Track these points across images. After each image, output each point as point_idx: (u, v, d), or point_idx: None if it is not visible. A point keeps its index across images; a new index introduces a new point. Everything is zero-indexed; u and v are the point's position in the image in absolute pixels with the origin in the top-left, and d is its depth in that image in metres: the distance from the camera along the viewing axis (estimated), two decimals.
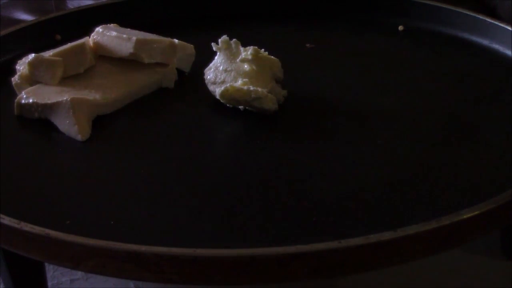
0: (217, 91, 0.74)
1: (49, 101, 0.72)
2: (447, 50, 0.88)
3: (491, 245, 0.74)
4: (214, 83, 0.76)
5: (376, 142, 0.70)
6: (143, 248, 0.54)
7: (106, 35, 0.80)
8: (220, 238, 0.58)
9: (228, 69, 0.76)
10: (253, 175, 0.66)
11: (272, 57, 0.77)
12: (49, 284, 0.70)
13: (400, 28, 0.92)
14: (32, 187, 0.65)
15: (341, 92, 0.79)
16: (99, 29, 0.82)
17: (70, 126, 0.71)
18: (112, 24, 0.83)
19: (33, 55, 0.76)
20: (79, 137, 0.70)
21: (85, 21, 0.88)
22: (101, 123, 0.73)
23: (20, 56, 0.80)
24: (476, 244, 0.74)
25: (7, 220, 0.57)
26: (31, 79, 0.76)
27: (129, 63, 0.79)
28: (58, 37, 0.89)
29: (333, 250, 0.54)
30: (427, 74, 0.83)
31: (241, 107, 0.74)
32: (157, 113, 0.76)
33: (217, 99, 0.74)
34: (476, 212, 0.57)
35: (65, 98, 0.71)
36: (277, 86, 0.76)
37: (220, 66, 0.76)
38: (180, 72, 0.82)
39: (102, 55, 0.80)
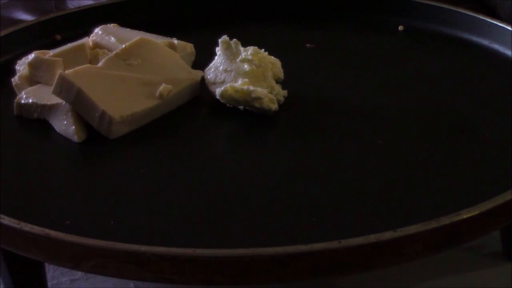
0: (217, 91, 0.74)
1: (48, 102, 0.72)
2: (447, 50, 0.88)
3: (491, 245, 0.74)
4: (214, 83, 0.76)
5: (376, 142, 0.70)
6: (143, 248, 0.54)
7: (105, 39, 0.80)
8: (220, 238, 0.58)
9: (228, 69, 0.76)
10: (253, 175, 0.66)
11: (272, 57, 0.77)
12: (49, 284, 0.70)
13: (400, 28, 0.92)
14: (32, 187, 0.65)
15: (341, 92, 0.79)
16: (98, 30, 0.82)
17: (68, 127, 0.71)
18: (112, 24, 0.83)
19: (33, 55, 0.76)
20: (75, 138, 0.70)
21: (85, 21, 0.89)
22: None
23: (20, 56, 0.80)
24: (476, 244, 0.74)
25: (7, 220, 0.57)
26: (31, 80, 0.76)
27: None
28: (58, 37, 0.89)
29: (333, 250, 0.54)
30: (427, 74, 0.83)
31: (241, 107, 0.74)
32: None
33: (217, 99, 0.74)
34: (476, 212, 0.57)
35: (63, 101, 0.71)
36: (277, 86, 0.76)
37: (220, 66, 0.76)
38: None
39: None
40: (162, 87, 0.74)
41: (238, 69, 0.75)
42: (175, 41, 0.81)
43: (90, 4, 0.96)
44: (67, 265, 0.57)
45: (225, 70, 0.76)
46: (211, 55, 0.78)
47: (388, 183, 0.64)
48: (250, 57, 0.75)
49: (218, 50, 0.77)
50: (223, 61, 0.76)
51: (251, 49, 0.75)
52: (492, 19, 0.89)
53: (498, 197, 0.59)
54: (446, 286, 0.71)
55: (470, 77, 0.82)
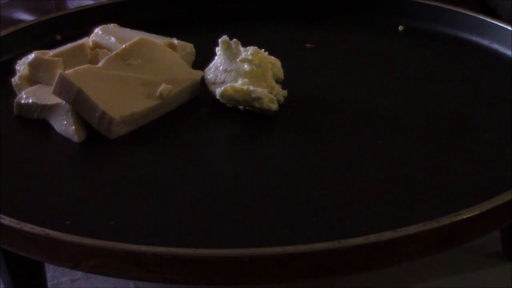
0: (217, 91, 0.74)
1: (48, 102, 0.72)
2: (447, 50, 0.88)
3: (491, 245, 0.74)
4: (214, 83, 0.76)
5: (376, 142, 0.70)
6: (143, 248, 0.54)
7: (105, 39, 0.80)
8: (220, 238, 0.58)
9: (228, 69, 0.76)
10: (253, 175, 0.66)
11: (272, 57, 0.77)
12: (49, 284, 0.70)
13: (400, 28, 0.92)
14: (32, 187, 0.65)
15: (341, 92, 0.79)
16: (98, 30, 0.82)
17: (68, 127, 0.71)
18: (112, 24, 0.83)
19: (33, 55, 0.76)
20: (75, 138, 0.70)
21: (85, 21, 0.89)
22: None
23: (20, 56, 0.80)
24: (476, 244, 0.74)
25: (7, 220, 0.57)
26: (31, 80, 0.76)
27: None
28: (58, 37, 0.89)
29: (333, 250, 0.54)
30: (427, 74, 0.83)
31: (241, 107, 0.74)
32: None
33: (217, 99, 0.74)
34: (476, 212, 0.57)
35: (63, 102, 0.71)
36: (277, 86, 0.76)
37: (220, 66, 0.76)
38: None
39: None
40: (162, 87, 0.74)
41: (238, 69, 0.75)
42: (175, 41, 0.81)
43: (90, 4, 0.96)
44: (67, 265, 0.57)
45: (225, 70, 0.76)
46: (211, 55, 0.78)
47: (388, 183, 0.64)
48: (250, 57, 0.74)
49: (218, 50, 0.77)
50: (223, 61, 0.76)
51: (251, 49, 0.75)
52: (492, 19, 0.89)
53: (498, 197, 0.59)
54: (446, 286, 0.71)
55: (470, 77, 0.82)
